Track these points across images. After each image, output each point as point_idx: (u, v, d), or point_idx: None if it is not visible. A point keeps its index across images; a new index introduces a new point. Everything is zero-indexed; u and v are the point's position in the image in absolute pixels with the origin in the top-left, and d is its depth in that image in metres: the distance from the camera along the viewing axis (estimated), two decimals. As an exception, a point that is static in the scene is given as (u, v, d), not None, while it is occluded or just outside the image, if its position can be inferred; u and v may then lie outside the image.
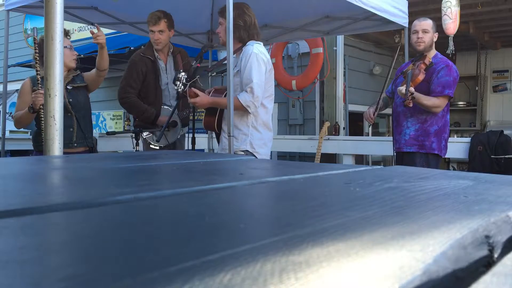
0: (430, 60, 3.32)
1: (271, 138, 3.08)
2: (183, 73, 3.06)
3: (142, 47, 6.05)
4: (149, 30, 3.60)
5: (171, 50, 3.74)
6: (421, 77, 3.24)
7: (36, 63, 3.01)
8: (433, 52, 3.47)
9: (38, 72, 2.98)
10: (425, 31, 3.41)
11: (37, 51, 3.01)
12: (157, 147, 3.63)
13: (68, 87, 3.28)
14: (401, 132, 3.43)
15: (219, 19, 3.11)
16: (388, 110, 3.95)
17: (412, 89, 3.17)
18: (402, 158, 3.46)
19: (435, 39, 3.45)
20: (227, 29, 2.87)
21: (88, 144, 3.37)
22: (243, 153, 2.90)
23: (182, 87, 3.02)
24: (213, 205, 0.56)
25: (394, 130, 3.57)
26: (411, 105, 3.18)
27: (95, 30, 3.21)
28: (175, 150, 3.66)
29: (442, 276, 0.32)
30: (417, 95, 3.20)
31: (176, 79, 3.07)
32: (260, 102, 2.90)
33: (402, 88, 3.18)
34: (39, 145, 3.08)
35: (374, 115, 3.50)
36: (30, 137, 3.60)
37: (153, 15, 3.56)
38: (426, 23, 3.44)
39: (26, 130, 5.23)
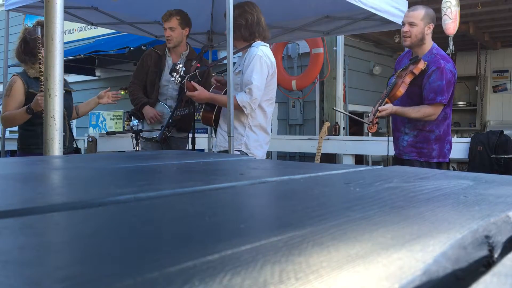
0: (424, 67, 2.93)
1: (268, 141, 3.05)
2: (180, 65, 3.06)
3: (142, 47, 6.04)
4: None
5: (186, 53, 3.69)
6: (402, 89, 2.92)
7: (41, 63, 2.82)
8: (428, 45, 3.02)
9: (42, 73, 2.90)
10: (412, 24, 2.96)
11: (40, 50, 2.82)
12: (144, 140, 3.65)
13: None
14: (399, 137, 3.14)
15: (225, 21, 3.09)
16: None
17: (387, 105, 2.91)
18: (402, 164, 3.19)
19: (429, 31, 2.99)
20: (227, 29, 2.87)
21: (75, 147, 3.40)
22: (238, 153, 2.89)
23: (180, 79, 3.01)
24: (213, 205, 0.56)
25: (393, 134, 3.24)
26: (372, 130, 2.93)
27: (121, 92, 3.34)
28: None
29: (442, 276, 0.32)
30: (402, 110, 2.95)
31: (172, 70, 3.06)
32: (257, 104, 2.88)
33: (373, 110, 2.91)
34: (27, 147, 3.02)
35: (373, 124, 3.14)
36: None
37: (166, 12, 3.58)
38: (414, 14, 2.98)
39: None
